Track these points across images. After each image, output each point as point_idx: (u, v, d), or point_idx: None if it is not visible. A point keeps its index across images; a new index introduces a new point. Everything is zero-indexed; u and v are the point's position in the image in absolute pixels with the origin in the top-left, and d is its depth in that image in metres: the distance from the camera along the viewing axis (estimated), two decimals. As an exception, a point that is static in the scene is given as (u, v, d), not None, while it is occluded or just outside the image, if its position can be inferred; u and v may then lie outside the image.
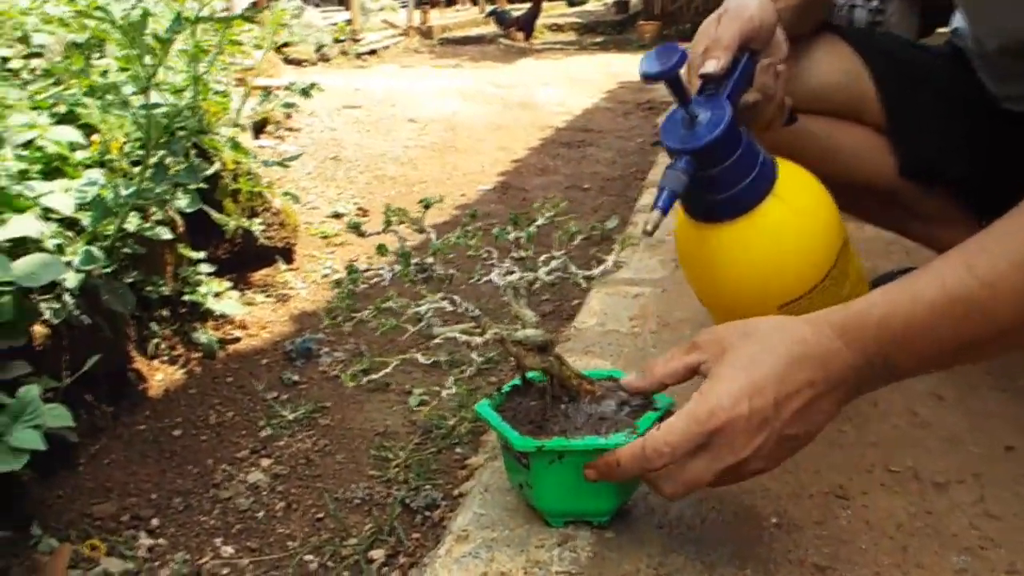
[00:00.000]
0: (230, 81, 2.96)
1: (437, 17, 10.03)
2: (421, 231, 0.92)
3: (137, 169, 1.39)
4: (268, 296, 2.12)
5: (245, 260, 2.13)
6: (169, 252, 1.83)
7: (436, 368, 1.75)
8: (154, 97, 1.47)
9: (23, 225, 1.19)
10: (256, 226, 2.04)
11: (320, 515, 1.27)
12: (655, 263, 1.87)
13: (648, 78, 0.82)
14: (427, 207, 0.93)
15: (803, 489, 0.93)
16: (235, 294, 1.95)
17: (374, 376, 0.85)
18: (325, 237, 2.66)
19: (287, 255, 2.27)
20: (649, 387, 0.85)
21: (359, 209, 2.99)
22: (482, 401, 0.91)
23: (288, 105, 1.96)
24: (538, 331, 0.89)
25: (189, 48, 1.51)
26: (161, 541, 1.21)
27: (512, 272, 0.94)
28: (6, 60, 1.55)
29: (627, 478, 0.80)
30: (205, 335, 1.78)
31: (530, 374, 0.92)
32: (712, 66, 0.87)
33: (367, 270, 0.92)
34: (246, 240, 2.13)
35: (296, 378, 1.72)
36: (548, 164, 3.61)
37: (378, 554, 1.16)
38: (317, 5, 8.69)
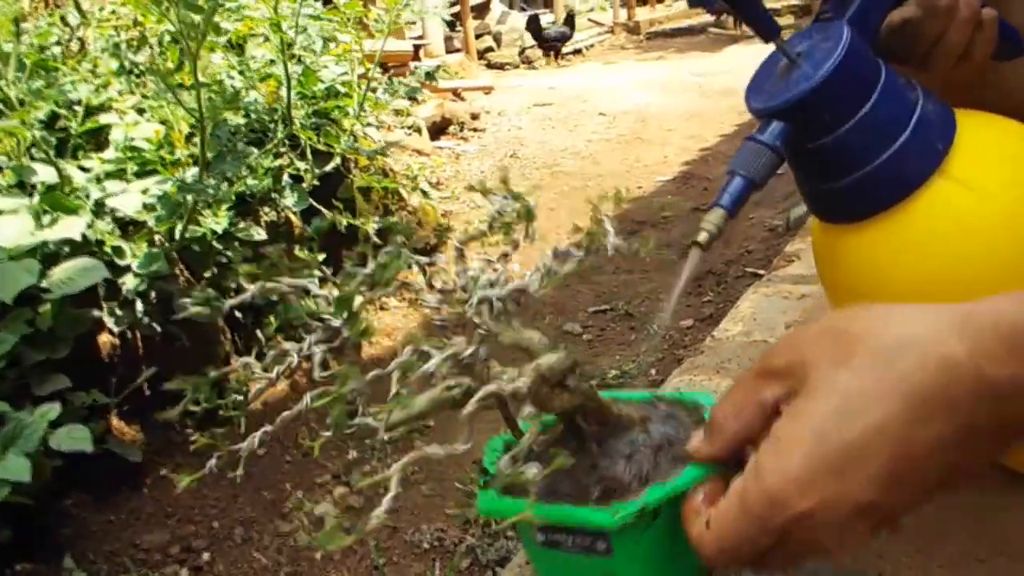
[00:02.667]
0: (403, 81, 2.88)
1: (645, 13, 9.69)
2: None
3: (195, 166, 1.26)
4: (401, 300, 1.96)
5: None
6: (287, 255, 1.72)
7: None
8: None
9: (68, 227, 1.09)
10: (372, 227, 1.89)
11: (381, 560, 1.06)
12: (837, 256, 1.49)
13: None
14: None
15: None
16: (358, 299, 1.81)
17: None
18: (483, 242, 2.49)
19: (426, 256, 2.11)
20: (720, 453, 0.52)
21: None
22: (484, 491, 0.61)
23: (410, 90, 1.78)
24: (557, 354, 0.59)
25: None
26: (201, 582, 1.06)
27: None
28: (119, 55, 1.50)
29: None
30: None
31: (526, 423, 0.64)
32: None
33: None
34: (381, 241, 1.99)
35: (406, 392, 1.53)
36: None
37: (427, 622, 0.93)
38: (523, 9, 8.70)
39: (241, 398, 0.57)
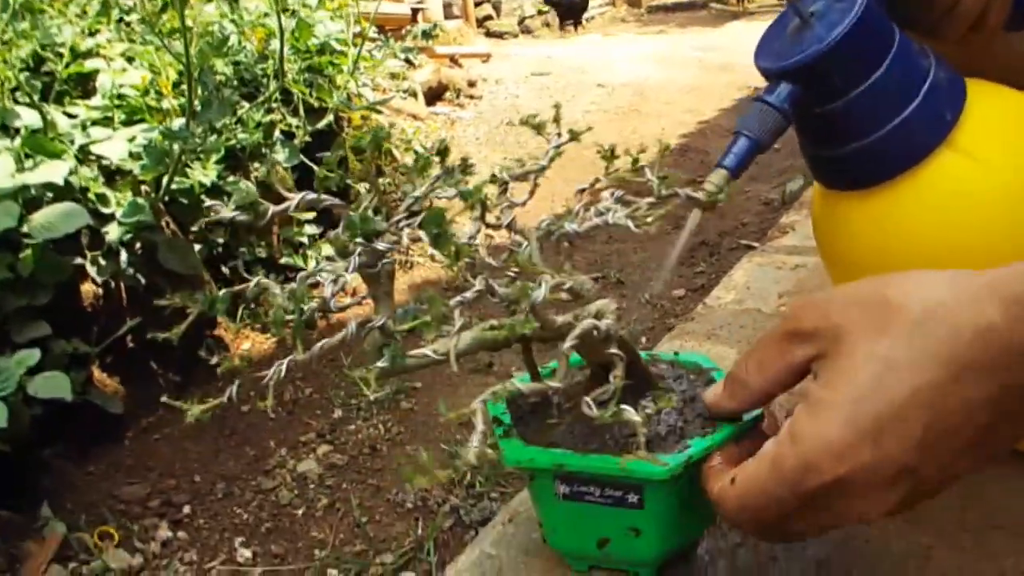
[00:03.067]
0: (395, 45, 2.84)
1: (647, -15, 9.58)
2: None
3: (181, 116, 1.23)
4: (423, 255, 1.95)
5: (369, 224, 1.97)
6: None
7: (551, 348, 1.48)
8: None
9: (51, 171, 1.06)
10: (362, 187, 1.86)
11: (364, 519, 1.05)
12: (834, 228, 1.48)
13: None
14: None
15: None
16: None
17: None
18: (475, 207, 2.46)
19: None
20: (742, 406, 0.51)
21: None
22: (506, 441, 0.60)
23: (408, 51, 1.74)
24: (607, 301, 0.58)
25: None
26: (181, 535, 1.05)
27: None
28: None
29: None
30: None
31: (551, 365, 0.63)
32: None
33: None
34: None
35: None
36: (738, 124, 3.19)
37: (408, 578, 0.93)
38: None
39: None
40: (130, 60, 1.38)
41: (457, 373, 1.45)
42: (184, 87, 1.20)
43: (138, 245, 1.27)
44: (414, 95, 3.37)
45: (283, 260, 1.64)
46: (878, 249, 0.55)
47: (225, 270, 1.54)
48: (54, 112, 1.24)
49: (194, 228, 1.44)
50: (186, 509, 1.10)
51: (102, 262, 1.16)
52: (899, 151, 0.52)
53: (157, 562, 1.00)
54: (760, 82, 0.54)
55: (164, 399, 0.55)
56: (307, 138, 1.64)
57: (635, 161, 0.64)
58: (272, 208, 0.55)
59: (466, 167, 0.61)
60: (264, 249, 1.59)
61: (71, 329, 1.16)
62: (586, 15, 7.87)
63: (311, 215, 1.73)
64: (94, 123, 1.35)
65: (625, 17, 8.26)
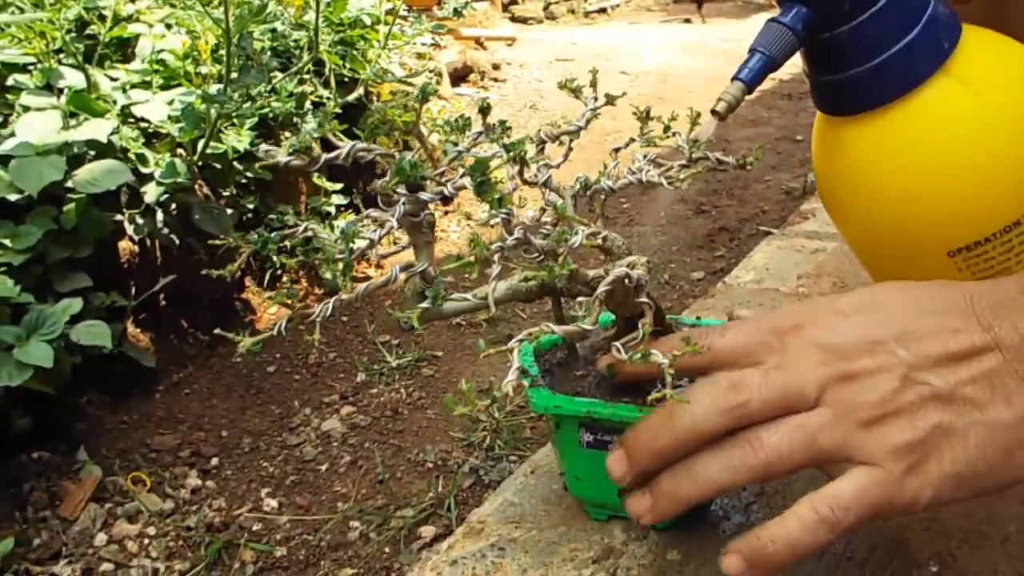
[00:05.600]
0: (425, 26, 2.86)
1: (675, -26, 9.52)
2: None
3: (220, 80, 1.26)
4: (452, 220, 1.98)
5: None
6: (304, 181, 1.73)
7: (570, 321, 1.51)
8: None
9: (95, 128, 1.10)
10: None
11: (386, 476, 1.08)
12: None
13: None
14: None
15: (990, 525, 0.60)
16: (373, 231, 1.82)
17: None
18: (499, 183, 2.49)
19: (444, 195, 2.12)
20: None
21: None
22: (535, 390, 0.62)
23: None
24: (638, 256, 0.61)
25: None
26: (209, 483, 1.09)
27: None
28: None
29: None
30: (330, 271, 1.66)
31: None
32: None
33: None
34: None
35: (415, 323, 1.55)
36: (761, 115, 3.20)
37: (428, 531, 0.96)
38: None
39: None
40: (168, 27, 1.41)
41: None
42: (222, 53, 1.23)
43: (173, 206, 1.30)
44: (439, 76, 3.39)
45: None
46: (876, 170, 0.58)
47: (254, 235, 1.57)
48: (97, 74, 1.28)
49: (225, 193, 1.48)
50: (214, 461, 1.14)
51: (139, 220, 1.20)
52: (900, 75, 0.55)
53: (187, 508, 1.04)
54: (774, 74, 0.57)
55: (217, 331, 0.58)
56: (338, 110, 1.67)
57: (666, 128, 0.67)
58: (324, 155, 0.59)
59: (504, 127, 0.65)
60: (292, 217, 1.62)
61: (108, 284, 1.20)
62: (611, 3, 7.85)
63: (339, 186, 1.77)
64: (133, 86, 1.38)
65: (651, 6, 8.22)
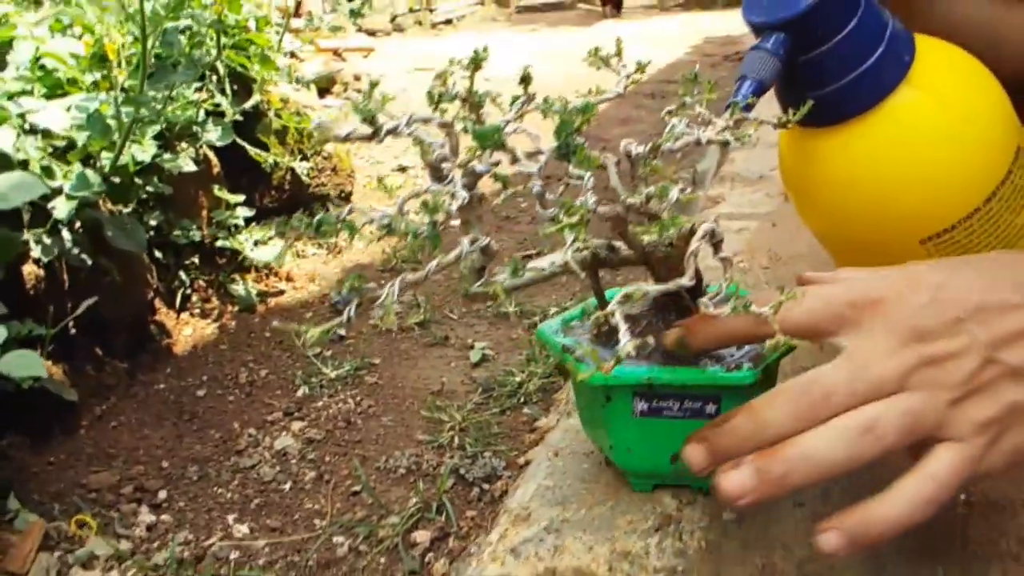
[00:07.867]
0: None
1: (514, -15, 9.71)
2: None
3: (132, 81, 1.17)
4: (320, 247, 1.90)
5: (294, 209, 1.91)
6: (204, 194, 1.63)
7: (503, 320, 1.50)
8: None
9: (-4, 137, 0.98)
10: (300, 166, 1.82)
11: (357, 488, 1.03)
12: (759, 197, 1.58)
13: None
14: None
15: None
16: (279, 243, 1.73)
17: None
18: (387, 191, 2.43)
19: (342, 204, 2.05)
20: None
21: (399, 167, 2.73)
22: (581, 364, 0.61)
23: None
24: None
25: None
26: (165, 517, 0.99)
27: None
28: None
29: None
30: (243, 287, 1.57)
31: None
32: None
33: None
34: (295, 186, 1.92)
35: (343, 332, 1.49)
36: (630, 114, 3.32)
37: (423, 536, 0.92)
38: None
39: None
40: (55, 29, 1.29)
41: (413, 348, 1.44)
42: (130, 53, 1.13)
43: (78, 224, 1.19)
44: (307, 87, 3.29)
45: (218, 243, 1.58)
46: (851, 174, 0.64)
47: (158, 254, 1.47)
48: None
49: (126, 209, 1.36)
50: (162, 494, 1.04)
51: (47, 240, 1.08)
52: (869, 89, 0.62)
53: (147, 546, 0.94)
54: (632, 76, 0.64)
55: (275, 324, 0.53)
56: (238, 117, 1.59)
57: (711, 87, 0.68)
58: (387, 124, 0.55)
59: (530, 97, 0.64)
60: (197, 232, 1.52)
61: (16, 312, 1.07)
62: (456, 14, 7.92)
63: (241, 198, 1.67)
64: (11, 96, 1.25)
65: (495, 17, 8.35)
